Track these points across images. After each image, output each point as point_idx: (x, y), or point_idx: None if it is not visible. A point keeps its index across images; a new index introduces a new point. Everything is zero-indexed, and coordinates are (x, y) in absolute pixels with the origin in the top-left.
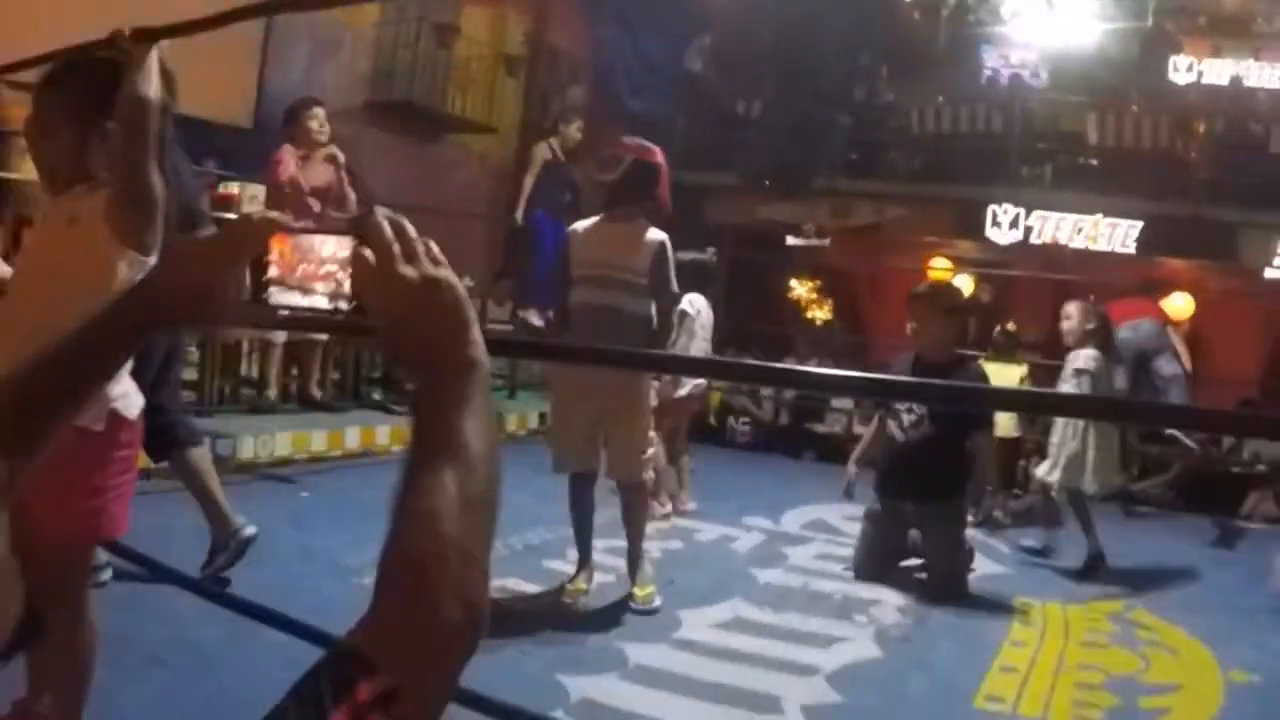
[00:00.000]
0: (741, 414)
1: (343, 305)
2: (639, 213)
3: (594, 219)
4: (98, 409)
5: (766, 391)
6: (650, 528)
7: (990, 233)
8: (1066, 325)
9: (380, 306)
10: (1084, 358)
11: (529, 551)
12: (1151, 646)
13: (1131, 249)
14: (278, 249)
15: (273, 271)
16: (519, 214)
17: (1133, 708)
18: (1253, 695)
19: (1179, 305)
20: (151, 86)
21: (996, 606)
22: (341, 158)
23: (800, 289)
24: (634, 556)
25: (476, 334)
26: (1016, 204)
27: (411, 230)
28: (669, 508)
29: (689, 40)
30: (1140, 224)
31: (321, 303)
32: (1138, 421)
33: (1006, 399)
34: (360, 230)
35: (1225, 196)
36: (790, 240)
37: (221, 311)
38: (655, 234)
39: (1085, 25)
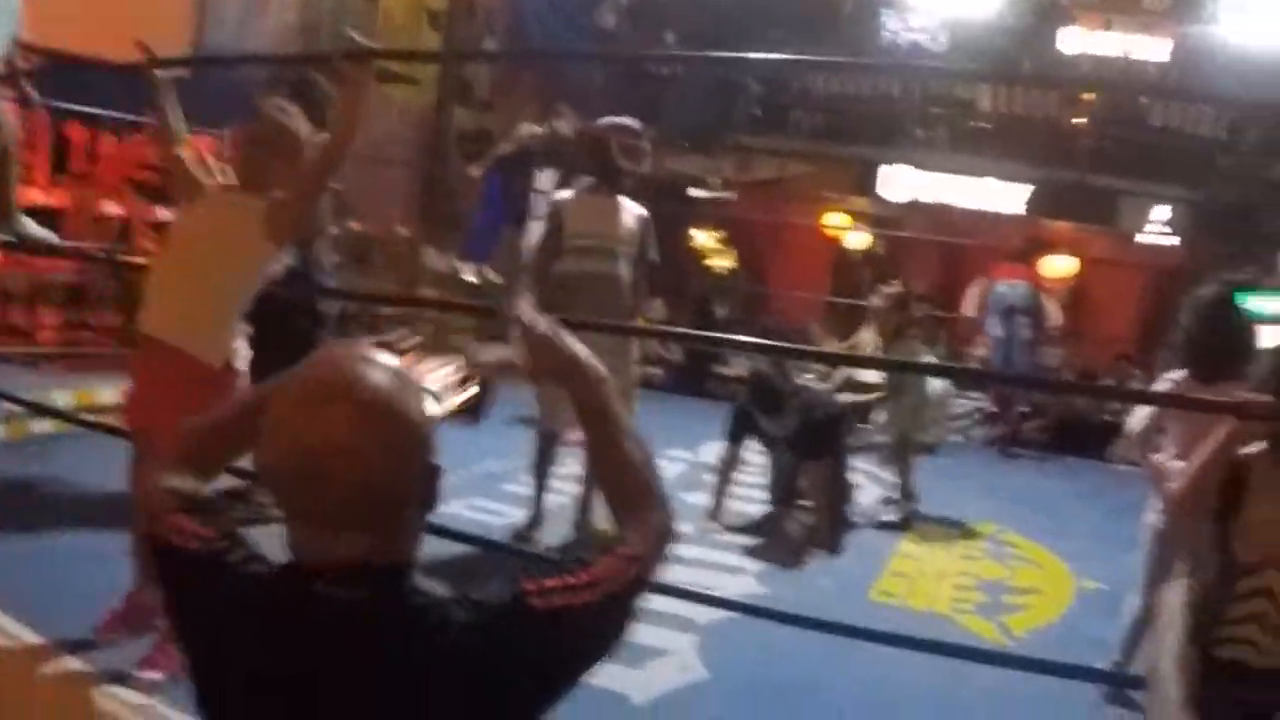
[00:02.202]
0: (655, 358)
1: None
2: (617, 188)
3: (576, 192)
4: (220, 352)
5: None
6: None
7: (885, 191)
8: (879, 302)
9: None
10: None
11: (489, 478)
12: (1019, 561)
13: (1018, 211)
14: None
15: None
16: (476, 169)
17: (998, 603)
18: (1100, 599)
19: (1060, 266)
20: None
21: (888, 527)
22: None
23: (705, 239)
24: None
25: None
26: (911, 165)
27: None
28: None
29: None
30: (1028, 188)
31: None
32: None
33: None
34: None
35: (1108, 164)
36: (696, 192)
37: None
38: (638, 208)
39: None
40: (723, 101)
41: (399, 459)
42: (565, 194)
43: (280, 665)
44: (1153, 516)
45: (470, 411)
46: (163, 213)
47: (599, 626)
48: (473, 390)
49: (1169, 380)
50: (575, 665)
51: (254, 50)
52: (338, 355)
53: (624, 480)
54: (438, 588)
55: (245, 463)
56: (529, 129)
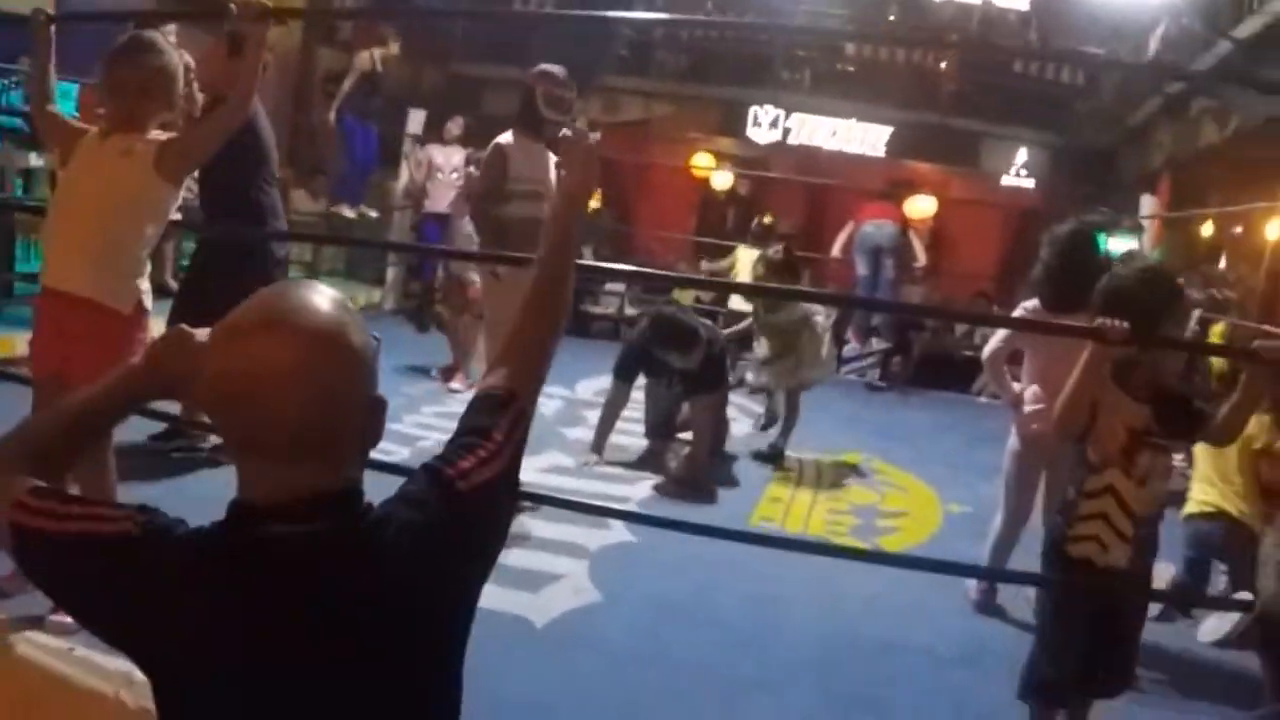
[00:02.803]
0: None
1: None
2: (541, 137)
3: (512, 136)
4: (129, 296)
5: None
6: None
7: (751, 132)
8: (762, 270)
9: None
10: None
11: None
12: (887, 487)
13: (881, 152)
14: None
15: None
16: (332, 115)
17: (871, 525)
18: (964, 520)
19: (922, 206)
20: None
21: (762, 456)
22: None
23: None
24: None
25: None
26: (777, 106)
27: None
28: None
29: None
30: (890, 129)
31: None
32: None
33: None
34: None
35: (970, 108)
36: (563, 132)
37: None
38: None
39: None
40: (590, 43)
41: (345, 387)
42: (506, 138)
43: (247, 616)
44: (1013, 441)
45: None
46: (34, 159)
47: (513, 483)
48: None
49: (1023, 309)
50: (505, 529)
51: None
52: (283, 286)
53: (540, 321)
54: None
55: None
56: (363, 62)
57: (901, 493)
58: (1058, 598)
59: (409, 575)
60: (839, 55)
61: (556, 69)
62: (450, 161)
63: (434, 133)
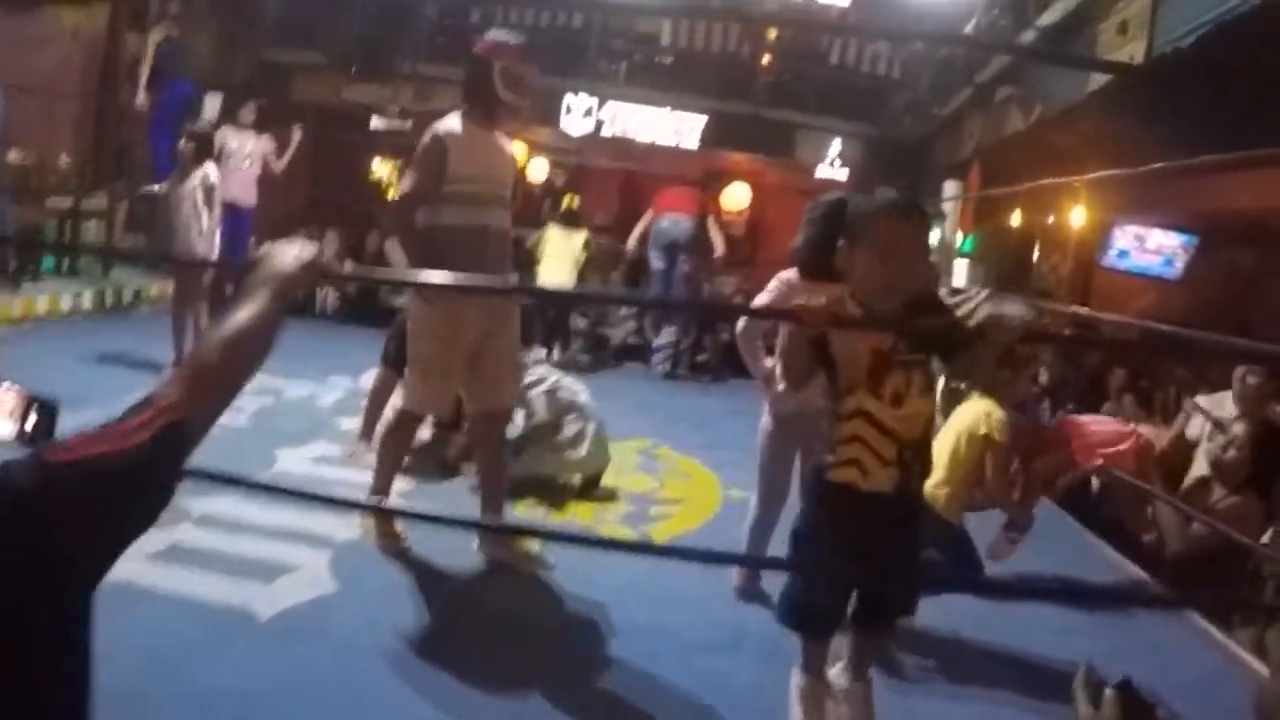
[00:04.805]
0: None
1: None
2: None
3: (460, 123)
4: None
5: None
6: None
7: (565, 122)
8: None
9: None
10: None
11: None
12: (669, 474)
13: (695, 143)
14: None
15: None
16: (140, 99)
17: (644, 514)
18: (743, 506)
19: (736, 196)
20: None
21: None
22: None
23: (383, 169)
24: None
25: None
26: (593, 96)
27: None
28: None
29: None
30: (705, 119)
31: None
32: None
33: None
34: None
35: (785, 99)
36: (375, 121)
37: None
38: (511, 144)
39: None
40: (393, 27)
41: None
42: (449, 124)
43: None
44: (765, 420)
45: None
46: None
47: (137, 474)
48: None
49: (780, 279)
50: (117, 512)
51: None
52: None
53: (210, 347)
54: None
55: None
56: (154, 37)
57: (683, 479)
58: (818, 525)
59: None
60: (655, 46)
61: (515, 39)
62: (244, 148)
63: (230, 118)
